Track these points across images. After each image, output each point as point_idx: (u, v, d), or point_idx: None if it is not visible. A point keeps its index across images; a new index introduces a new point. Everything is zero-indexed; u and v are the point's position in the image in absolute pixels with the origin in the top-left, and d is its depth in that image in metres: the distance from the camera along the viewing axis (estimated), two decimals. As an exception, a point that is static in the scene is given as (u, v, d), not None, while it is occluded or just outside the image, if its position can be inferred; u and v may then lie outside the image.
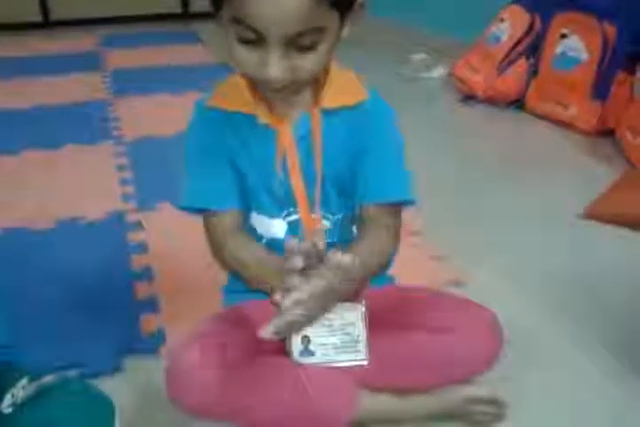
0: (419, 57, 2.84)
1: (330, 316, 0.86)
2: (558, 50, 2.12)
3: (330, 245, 0.81)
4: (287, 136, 0.84)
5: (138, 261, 1.38)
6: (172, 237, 1.47)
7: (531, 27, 2.24)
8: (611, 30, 1.97)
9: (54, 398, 0.80)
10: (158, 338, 1.13)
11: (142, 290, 1.27)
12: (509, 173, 1.86)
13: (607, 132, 2.03)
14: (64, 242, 1.48)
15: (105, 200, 1.67)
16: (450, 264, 1.37)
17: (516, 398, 0.94)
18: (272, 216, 0.89)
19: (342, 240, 0.91)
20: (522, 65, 2.27)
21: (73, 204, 1.66)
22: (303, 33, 0.70)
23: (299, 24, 0.69)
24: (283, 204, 0.88)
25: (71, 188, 1.77)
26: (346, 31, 0.78)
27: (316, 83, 0.85)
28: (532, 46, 2.24)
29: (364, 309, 0.86)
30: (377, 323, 0.87)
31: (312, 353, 0.87)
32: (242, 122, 0.85)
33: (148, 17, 4.24)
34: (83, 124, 2.27)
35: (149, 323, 1.17)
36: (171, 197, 1.63)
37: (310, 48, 0.72)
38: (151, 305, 1.22)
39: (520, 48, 2.26)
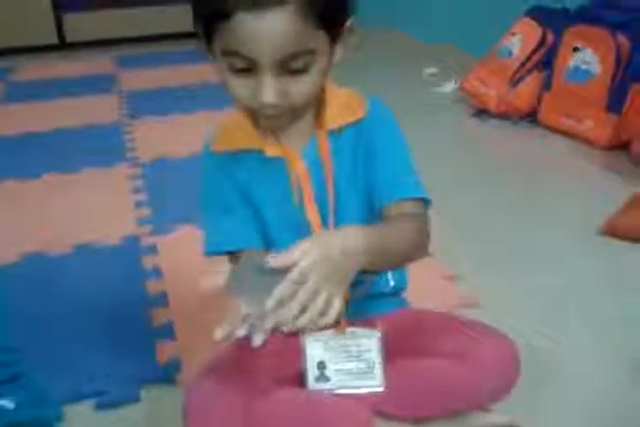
0: (430, 71, 2.84)
1: (346, 342, 0.86)
2: (571, 63, 2.11)
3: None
4: (299, 166, 0.85)
5: (153, 287, 1.38)
6: (187, 262, 1.46)
7: (543, 40, 2.23)
8: (624, 43, 1.95)
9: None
10: (174, 367, 1.13)
11: (158, 316, 1.28)
12: (523, 188, 1.85)
13: (623, 146, 2.00)
14: (80, 267, 1.49)
15: (121, 224, 1.68)
16: (463, 283, 1.36)
17: (533, 423, 0.93)
18: None
19: None
20: (534, 79, 2.26)
21: (90, 228, 1.67)
22: (294, 55, 0.71)
23: (289, 47, 0.70)
24: (300, 234, 0.88)
25: (88, 212, 1.78)
26: (338, 55, 0.79)
27: (317, 106, 0.85)
28: (545, 60, 2.23)
29: (380, 335, 0.86)
30: (393, 348, 0.87)
31: (328, 379, 0.87)
32: (250, 158, 0.86)
33: (163, 36, 4.29)
34: (100, 147, 2.29)
35: (165, 351, 1.17)
36: (186, 220, 1.65)
37: (302, 71, 0.73)
38: (167, 332, 1.23)
39: (532, 62, 2.25)
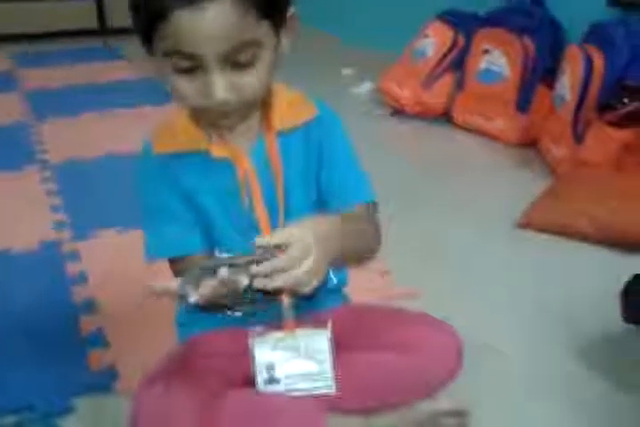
0: (347, 72, 2.88)
1: (295, 343, 0.85)
2: (482, 65, 2.20)
3: None
4: (246, 167, 0.83)
5: (79, 293, 1.32)
6: (112, 266, 1.42)
7: (454, 43, 2.31)
8: (530, 46, 2.06)
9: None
10: (109, 374, 1.09)
11: (87, 323, 1.22)
12: (440, 185, 1.90)
13: (531, 143, 2.11)
14: (-5, 276, 1.40)
15: (36, 229, 1.60)
16: (398, 278, 1.38)
17: (480, 407, 0.96)
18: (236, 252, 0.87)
19: None
20: (447, 79, 2.34)
21: (3, 234, 1.57)
22: (238, 48, 0.71)
23: (232, 39, 0.70)
24: (247, 235, 0.86)
25: (-1, 217, 1.68)
26: (285, 45, 0.79)
27: (264, 106, 0.84)
28: (457, 61, 2.31)
29: (330, 334, 0.86)
30: (338, 343, 0.87)
31: (277, 381, 0.85)
32: (195, 160, 0.83)
33: (62, 33, 4.10)
34: (4, 149, 2.17)
35: (98, 358, 1.12)
36: (107, 224, 1.59)
37: (249, 64, 0.73)
38: (98, 339, 1.18)
39: (445, 63, 2.33)
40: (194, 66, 0.71)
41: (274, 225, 0.85)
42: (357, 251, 0.85)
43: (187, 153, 0.83)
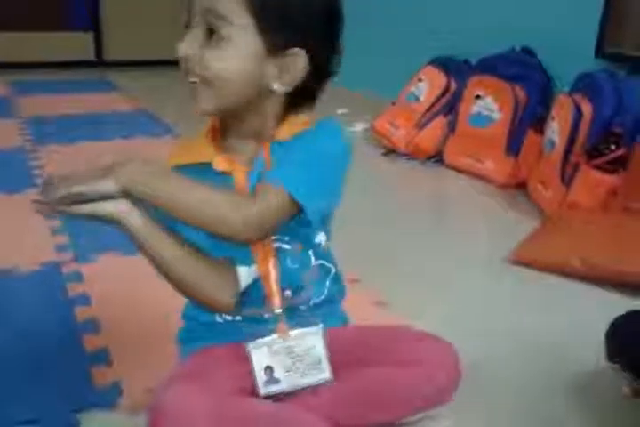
0: (341, 111, 2.97)
1: (290, 344, 0.90)
2: (474, 109, 2.30)
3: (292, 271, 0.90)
4: (242, 182, 0.86)
5: (82, 313, 1.33)
6: (113, 287, 1.44)
7: (447, 88, 2.42)
8: (521, 93, 2.16)
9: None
10: (113, 390, 1.10)
11: (90, 342, 1.23)
12: (430, 223, 1.96)
13: (520, 185, 2.19)
14: (-2, 295, 1.41)
15: (38, 251, 1.62)
16: (389, 310, 1.41)
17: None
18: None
19: (302, 266, 0.92)
20: (440, 122, 2.43)
21: (3, 255, 1.59)
22: (214, 11, 0.78)
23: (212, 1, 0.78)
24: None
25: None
26: (279, 79, 0.82)
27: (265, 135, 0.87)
28: (449, 105, 2.41)
29: (322, 330, 0.91)
30: (343, 360, 0.91)
31: (277, 381, 0.90)
32: (200, 171, 0.85)
33: (60, 64, 4.18)
34: (3, 173, 2.20)
35: (103, 376, 1.13)
36: (108, 247, 1.61)
37: (220, 40, 0.78)
38: (102, 357, 1.19)
39: (438, 107, 2.43)
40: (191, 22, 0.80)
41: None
42: (187, 207, 0.77)
43: (194, 166, 0.86)
